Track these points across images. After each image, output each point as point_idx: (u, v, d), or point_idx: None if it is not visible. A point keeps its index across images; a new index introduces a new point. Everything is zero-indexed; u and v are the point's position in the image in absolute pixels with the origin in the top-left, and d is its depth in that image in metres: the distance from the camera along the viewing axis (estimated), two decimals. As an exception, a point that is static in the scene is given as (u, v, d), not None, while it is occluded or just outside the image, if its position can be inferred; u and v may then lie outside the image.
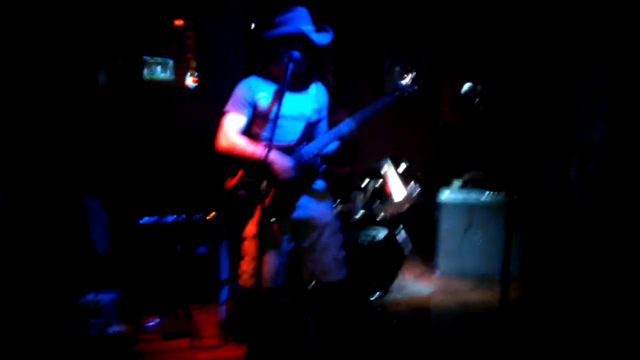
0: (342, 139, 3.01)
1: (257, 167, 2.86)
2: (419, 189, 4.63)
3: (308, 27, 2.91)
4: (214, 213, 4.79)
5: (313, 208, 3.08)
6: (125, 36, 4.98)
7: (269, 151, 2.63)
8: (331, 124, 3.20)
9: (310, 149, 2.98)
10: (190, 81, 5.27)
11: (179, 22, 5.18)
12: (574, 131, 4.99)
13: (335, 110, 3.33)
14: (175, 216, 4.69)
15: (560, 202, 5.04)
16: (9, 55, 4.40)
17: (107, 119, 4.95)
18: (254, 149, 2.93)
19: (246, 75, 3.05)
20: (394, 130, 5.95)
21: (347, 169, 5.06)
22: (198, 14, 5.22)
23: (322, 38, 2.94)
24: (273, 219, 2.97)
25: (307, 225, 3.08)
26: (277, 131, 2.93)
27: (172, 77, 5.22)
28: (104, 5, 4.85)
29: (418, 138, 6.12)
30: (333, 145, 3.08)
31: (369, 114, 2.97)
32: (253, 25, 5.34)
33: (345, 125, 2.95)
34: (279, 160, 2.90)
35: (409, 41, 6.01)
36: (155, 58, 5.15)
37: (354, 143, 3.05)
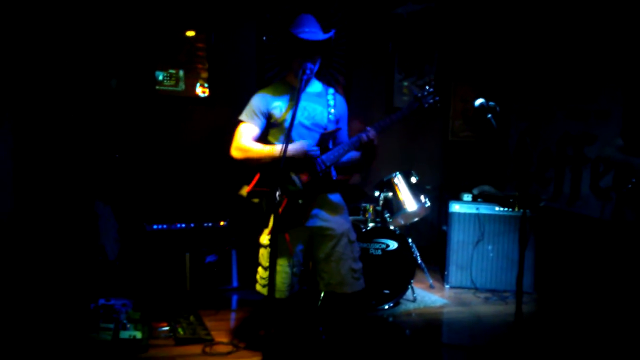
0: (362, 147, 2.98)
1: (272, 175, 2.85)
2: (429, 202, 4.64)
3: (304, 29, 2.92)
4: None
5: (328, 218, 3.05)
6: (138, 47, 5.01)
7: (285, 147, 2.58)
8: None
9: (325, 158, 2.97)
10: (200, 91, 5.29)
11: (190, 33, 5.21)
12: (585, 148, 5.01)
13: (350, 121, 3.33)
14: (185, 224, 4.69)
15: (571, 218, 5.04)
16: (28, 71, 4.45)
17: (119, 128, 4.96)
18: (270, 149, 2.95)
19: (257, 86, 3.06)
20: (405, 144, 5.97)
21: (358, 177, 5.06)
22: (210, 26, 5.25)
23: (312, 35, 2.92)
24: (286, 230, 2.96)
25: (322, 235, 3.05)
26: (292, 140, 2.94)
27: (183, 87, 5.24)
28: (120, 16, 4.89)
29: (428, 152, 6.15)
30: (350, 155, 3.07)
31: (387, 125, 2.98)
32: (265, 38, 5.37)
33: (365, 134, 2.93)
34: (298, 147, 2.90)
35: (419, 55, 6.04)
36: (167, 68, 5.17)
37: (371, 152, 3.04)
